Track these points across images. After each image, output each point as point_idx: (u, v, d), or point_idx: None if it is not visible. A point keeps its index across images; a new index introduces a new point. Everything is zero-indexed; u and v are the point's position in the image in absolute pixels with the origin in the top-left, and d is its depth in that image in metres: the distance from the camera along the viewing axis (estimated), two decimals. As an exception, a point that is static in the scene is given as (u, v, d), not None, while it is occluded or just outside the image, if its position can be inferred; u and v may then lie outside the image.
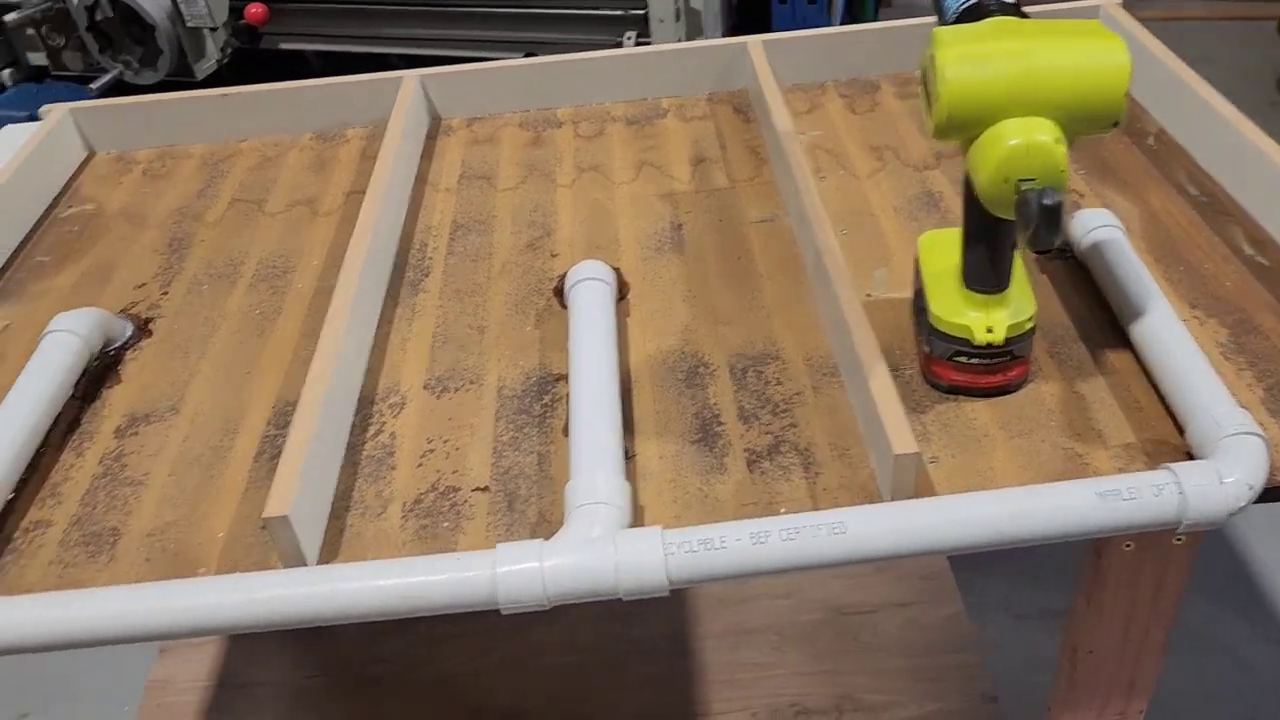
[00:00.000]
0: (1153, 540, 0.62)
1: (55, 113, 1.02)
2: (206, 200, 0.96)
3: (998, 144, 0.54)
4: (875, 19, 1.98)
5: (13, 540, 0.64)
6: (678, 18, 1.41)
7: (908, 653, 1.17)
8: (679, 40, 1.42)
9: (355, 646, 1.28)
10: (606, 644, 1.25)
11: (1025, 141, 0.54)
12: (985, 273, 0.62)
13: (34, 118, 1.03)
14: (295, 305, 0.82)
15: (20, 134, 1.02)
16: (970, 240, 0.62)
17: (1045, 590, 1.40)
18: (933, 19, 0.64)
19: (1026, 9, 1.04)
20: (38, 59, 1.65)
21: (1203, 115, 0.85)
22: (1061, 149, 0.54)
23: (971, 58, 0.55)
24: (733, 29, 1.60)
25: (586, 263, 0.77)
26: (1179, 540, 0.62)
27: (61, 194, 0.98)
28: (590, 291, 0.74)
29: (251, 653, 1.29)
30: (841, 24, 1.78)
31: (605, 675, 1.22)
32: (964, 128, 0.56)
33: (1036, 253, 0.56)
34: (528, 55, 1.55)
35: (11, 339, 0.80)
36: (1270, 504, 0.58)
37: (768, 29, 1.62)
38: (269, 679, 1.27)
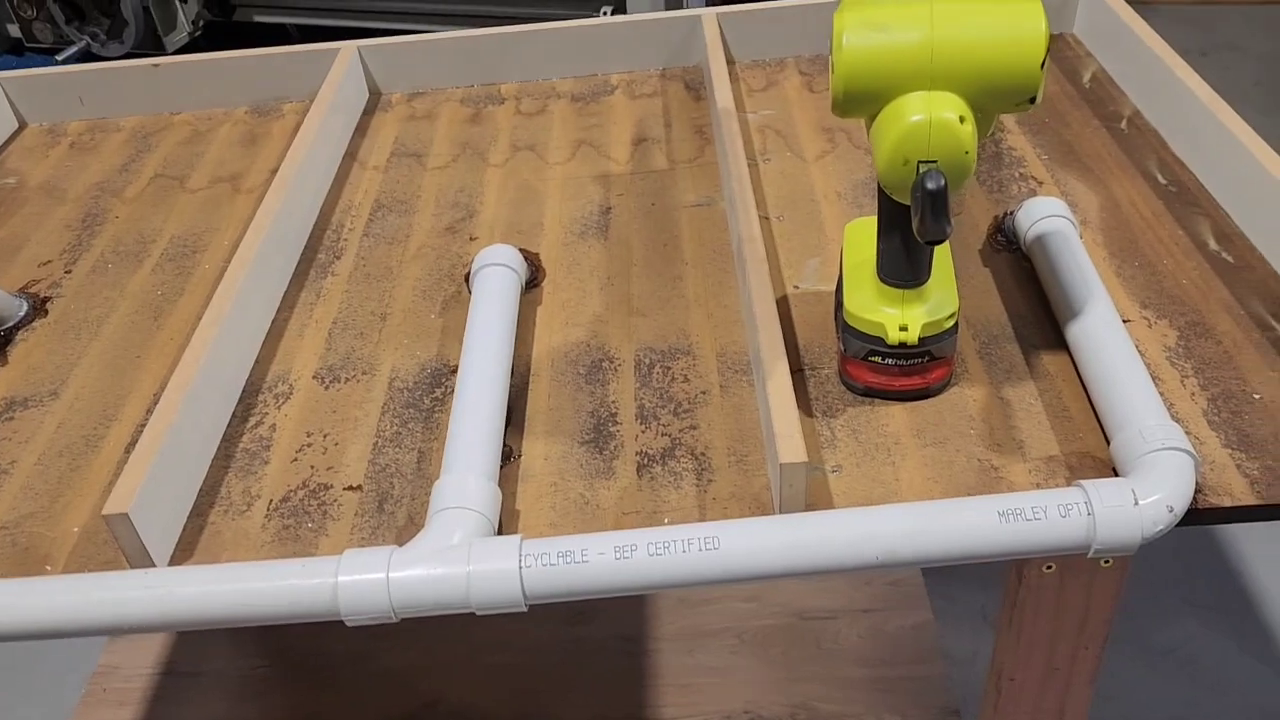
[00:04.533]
0: (1075, 561, 0.56)
1: (-16, 82, 0.99)
2: (129, 175, 0.92)
3: (898, 121, 0.49)
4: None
5: None
6: (655, -8, 1.35)
7: (868, 662, 1.12)
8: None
9: (305, 637, 1.25)
10: (560, 643, 1.20)
11: (927, 118, 0.48)
12: (900, 266, 0.57)
13: None
14: (198, 287, 0.78)
15: (-51, 104, 0.99)
16: (884, 229, 0.57)
17: (1027, 597, 1.34)
18: None
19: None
20: (16, 31, 1.63)
21: (1179, 98, 0.79)
22: (968, 128, 0.49)
23: (872, 23, 0.49)
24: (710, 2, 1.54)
25: (494, 247, 0.72)
26: (1106, 562, 0.56)
27: (-15, 166, 0.95)
28: (493, 279, 0.69)
29: (200, 641, 1.26)
30: None
31: (558, 675, 1.18)
32: (864, 102, 0.50)
33: (928, 243, 0.50)
34: (504, 31, 1.50)
35: (-97, 316, 0.77)
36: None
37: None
38: (217, 668, 1.24)
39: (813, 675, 1.12)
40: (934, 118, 0.48)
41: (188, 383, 0.61)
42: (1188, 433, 0.56)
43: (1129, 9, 0.90)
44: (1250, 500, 0.52)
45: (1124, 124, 0.83)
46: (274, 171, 0.90)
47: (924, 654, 1.12)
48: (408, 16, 1.58)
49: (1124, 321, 0.64)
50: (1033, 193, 0.77)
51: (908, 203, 0.50)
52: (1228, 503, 0.53)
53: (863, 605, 1.17)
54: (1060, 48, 0.95)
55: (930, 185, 0.45)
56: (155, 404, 0.67)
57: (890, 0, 0.50)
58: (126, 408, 0.68)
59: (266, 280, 0.73)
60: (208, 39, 1.66)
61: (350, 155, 0.91)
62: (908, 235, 0.56)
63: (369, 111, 0.97)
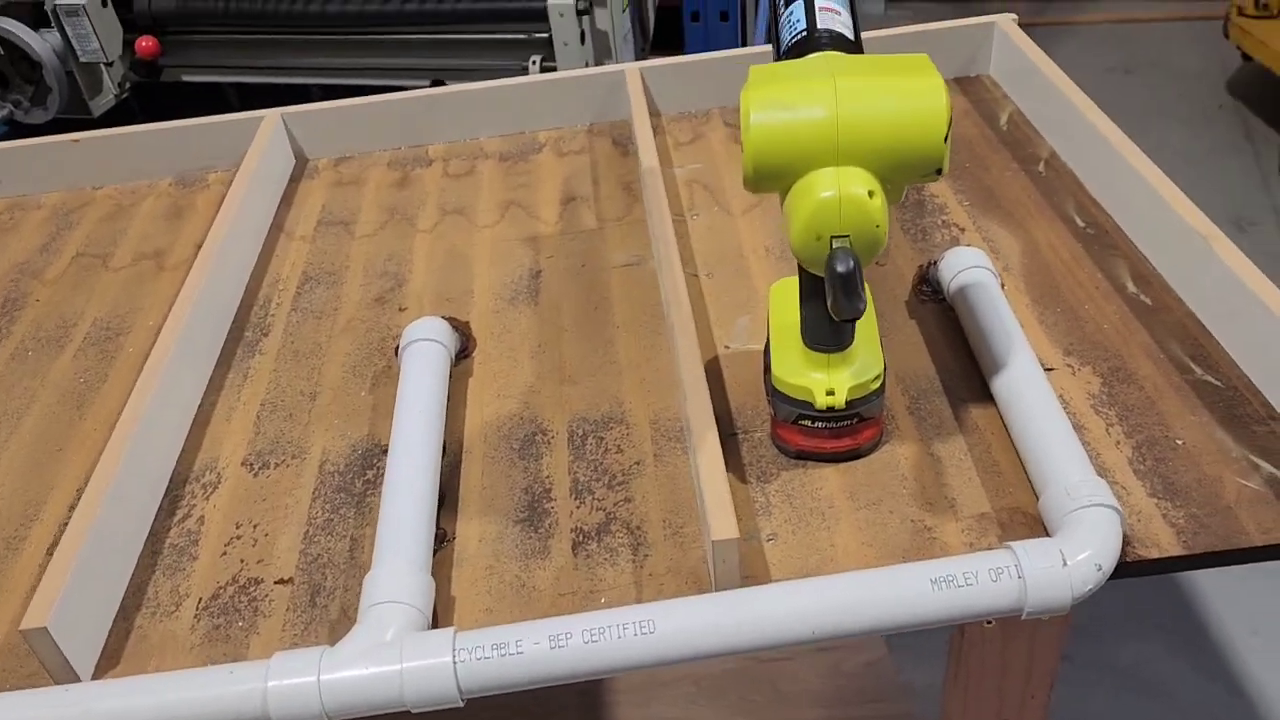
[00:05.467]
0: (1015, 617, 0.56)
1: (-104, 165, 0.96)
2: (49, 255, 0.90)
3: (808, 197, 0.49)
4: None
5: None
6: (583, 40, 1.36)
7: (828, 702, 1.12)
8: (586, 63, 1.36)
9: None
10: (514, 698, 1.19)
11: (837, 194, 0.49)
12: (823, 332, 0.57)
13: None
14: (123, 372, 0.76)
15: None
16: (805, 297, 0.57)
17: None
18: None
19: (923, 28, 0.99)
20: (-65, 98, 1.59)
21: (1093, 142, 0.80)
22: (878, 202, 0.49)
23: (778, 102, 0.49)
24: (645, 50, 1.55)
25: (423, 320, 0.71)
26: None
27: (-101, 252, 0.93)
28: (421, 355, 0.68)
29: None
30: (765, 38, 1.73)
31: (514, 732, 1.16)
32: (774, 178, 0.51)
33: (842, 321, 0.50)
34: (435, 83, 1.49)
35: None
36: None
37: (681, 50, 1.57)
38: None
39: (772, 720, 1.11)
40: (844, 193, 0.49)
41: (110, 479, 0.60)
42: (1113, 483, 0.57)
43: (1040, 52, 0.92)
44: (1176, 551, 0.53)
45: (1042, 166, 0.85)
46: (199, 246, 0.88)
47: (884, 691, 1.12)
48: (335, 71, 1.57)
49: (1048, 370, 0.65)
50: (955, 240, 0.78)
51: (823, 275, 0.50)
52: (1155, 554, 0.53)
53: (819, 645, 1.17)
54: (978, 90, 0.96)
55: (840, 268, 0.46)
56: (78, 500, 0.66)
57: (795, 78, 0.51)
58: (48, 506, 0.66)
59: (192, 363, 0.72)
60: (136, 100, 1.64)
61: (277, 226, 0.90)
62: (829, 302, 0.56)
63: (295, 179, 0.96)
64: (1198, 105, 2.61)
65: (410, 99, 0.97)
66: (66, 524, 0.63)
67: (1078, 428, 0.60)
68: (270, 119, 0.95)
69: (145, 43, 1.41)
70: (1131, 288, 0.71)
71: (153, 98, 1.71)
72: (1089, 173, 0.82)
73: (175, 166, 0.99)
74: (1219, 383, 0.63)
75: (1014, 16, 0.97)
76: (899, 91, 0.49)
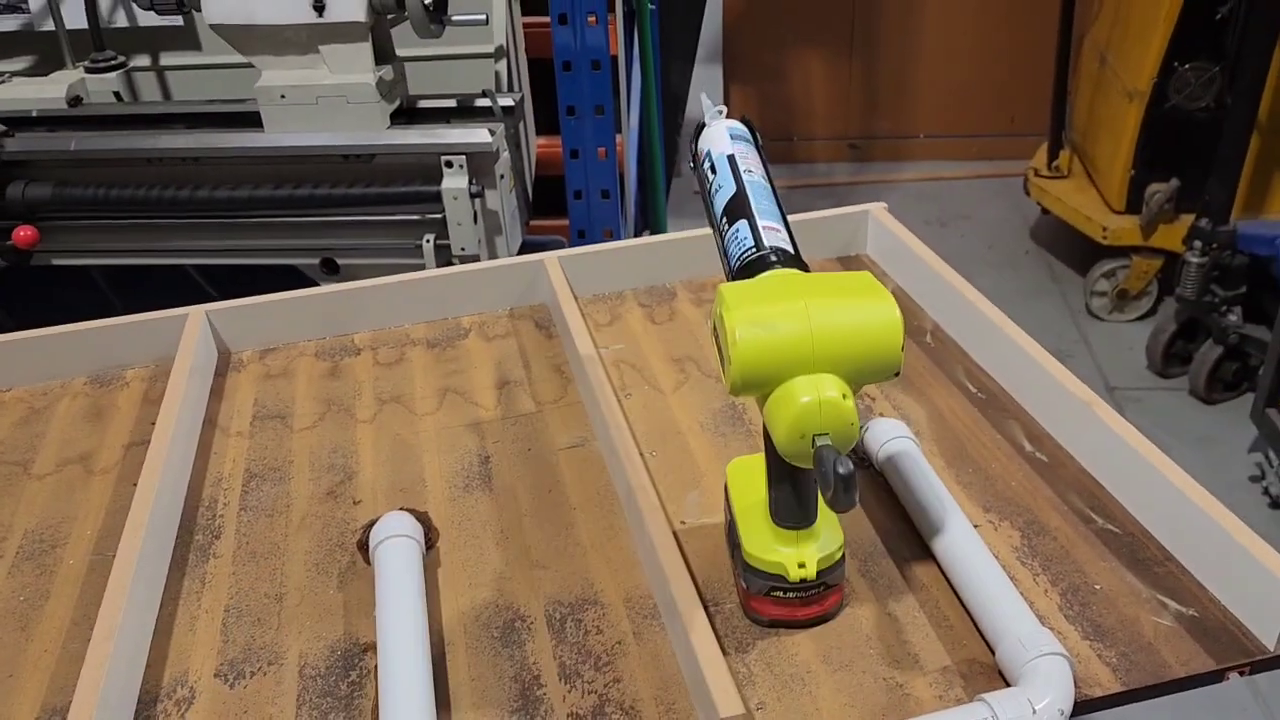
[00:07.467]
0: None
1: None
2: (-39, 465, 0.87)
3: (790, 403, 0.56)
4: (667, 196, 2.08)
5: None
6: (476, 220, 1.42)
7: None
8: (479, 240, 1.43)
9: None
10: None
11: (816, 399, 0.55)
12: (792, 511, 0.63)
13: None
14: (66, 586, 0.74)
15: None
16: (774, 482, 0.63)
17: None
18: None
19: (807, 216, 1.10)
20: None
21: (970, 316, 0.91)
22: (849, 403, 0.56)
23: (758, 320, 0.56)
24: (527, 222, 1.64)
25: (390, 516, 0.73)
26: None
27: None
28: (394, 551, 0.70)
29: None
30: (635, 211, 1.85)
31: None
32: (758, 385, 0.57)
33: (839, 512, 0.57)
34: (324, 262, 1.52)
35: None
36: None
37: (565, 215, 1.66)
38: None
39: None
40: (822, 398, 0.55)
41: (90, 712, 0.58)
42: (1052, 629, 0.64)
43: (908, 232, 1.04)
44: (1116, 687, 0.61)
45: (928, 337, 0.96)
46: (128, 446, 0.88)
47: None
48: (218, 252, 1.58)
49: (975, 527, 0.73)
50: (869, 409, 0.86)
51: (810, 467, 0.57)
52: (1099, 692, 0.60)
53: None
54: (858, 267, 1.08)
55: (842, 470, 0.52)
56: (40, 731, 0.63)
57: (767, 299, 0.58)
58: (6, 739, 0.63)
59: (149, 574, 0.71)
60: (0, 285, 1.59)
61: (210, 421, 0.90)
62: (797, 485, 0.63)
63: (221, 372, 0.97)
64: (1006, 252, 2.91)
65: (334, 292, 1.00)
66: (31, 758, 0.61)
67: (1010, 579, 0.68)
68: (195, 315, 0.96)
69: (24, 232, 1.38)
70: (1028, 446, 0.81)
71: (11, 283, 1.66)
72: (971, 343, 0.92)
73: (89, 365, 0.97)
74: (1119, 530, 0.72)
75: (884, 205, 1.09)
76: (860, 309, 0.57)
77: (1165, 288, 2.52)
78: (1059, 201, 2.62)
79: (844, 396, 0.56)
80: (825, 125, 3.41)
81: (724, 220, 0.66)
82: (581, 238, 1.75)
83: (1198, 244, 2.21)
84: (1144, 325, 2.52)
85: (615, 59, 1.72)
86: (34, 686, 0.66)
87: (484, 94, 1.47)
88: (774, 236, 0.63)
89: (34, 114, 1.51)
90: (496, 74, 1.65)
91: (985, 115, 3.32)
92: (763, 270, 0.61)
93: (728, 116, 0.73)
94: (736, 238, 0.64)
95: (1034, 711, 0.56)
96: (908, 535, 0.73)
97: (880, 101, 3.36)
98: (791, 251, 0.63)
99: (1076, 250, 2.74)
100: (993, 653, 0.62)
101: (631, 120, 1.78)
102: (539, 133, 1.87)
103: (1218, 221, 2.19)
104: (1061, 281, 2.76)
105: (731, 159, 0.69)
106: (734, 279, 0.62)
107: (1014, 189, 2.98)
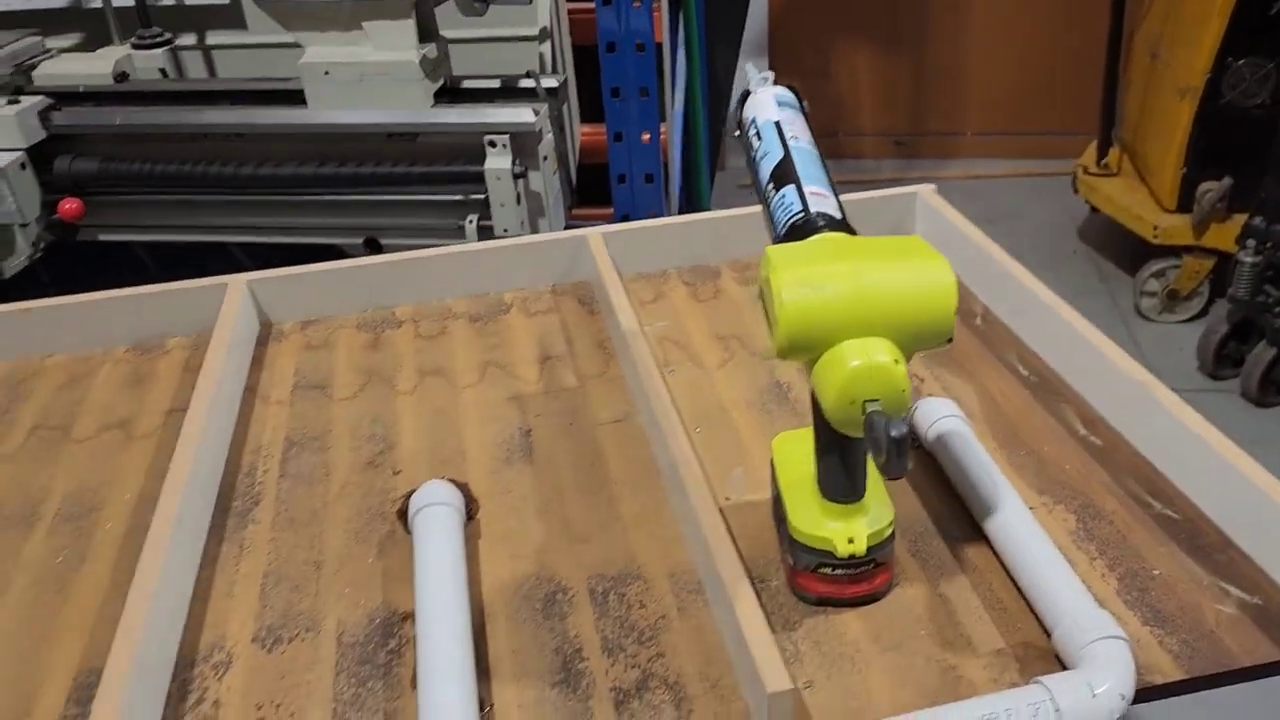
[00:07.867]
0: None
1: None
2: (2, 429, 0.87)
3: (840, 367, 0.54)
4: (711, 188, 2.06)
5: None
6: (519, 201, 1.42)
7: None
8: (521, 222, 1.42)
9: None
10: None
11: (866, 363, 0.54)
12: (841, 484, 0.61)
13: None
14: (104, 549, 0.74)
15: None
16: (822, 454, 0.61)
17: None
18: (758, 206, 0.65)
19: (857, 196, 1.08)
20: None
21: (1021, 298, 0.89)
22: (901, 369, 0.54)
23: (806, 280, 0.55)
24: (571, 205, 1.63)
25: (430, 484, 0.72)
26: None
27: None
28: (435, 519, 0.69)
29: None
30: (679, 196, 1.84)
31: None
32: (805, 349, 0.55)
33: (891, 479, 0.55)
34: (367, 241, 1.52)
35: None
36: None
37: (608, 203, 1.65)
38: None
39: None
40: (871, 362, 0.54)
41: (125, 672, 0.57)
42: (1111, 614, 0.62)
43: (960, 215, 1.02)
44: (1178, 675, 0.58)
45: (979, 320, 0.93)
46: (168, 413, 0.87)
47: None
48: (262, 230, 1.58)
49: (1029, 509, 0.70)
50: (917, 390, 0.84)
51: (859, 435, 0.55)
52: (1160, 680, 0.58)
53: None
54: (909, 250, 1.05)
55: (894, 433, 0.50)
56: (77, 691, 0.63)
57: (814, 260, 0.56)
58: (44, 698, 0.63)
59: (188, 539, 0.71)
60: (46, 260, 1.61)
61: (250, 390, 0.90)
62: (846, 456, 0.61)
63: (262, 342, 0.96)
64: (1054, 252, 2.86)
65: (376, 264, 1.00)
66: (66, 718, 0.61)
67: (1067, 563, 0.65)
68: (236, 285, 0.96)
69: (70, 205, 1.39)
70: (1082, 430, 0.78)
71: (59, 258, 1.68)
72: (1022, 326, 0.90)
73: (131, 333, 0.97)
74: (1177, 515, 0.70)
75: (933, 186, 1.07)
76: (913, 271, 0.55)
77: (1216, 289, 2.47)
78: (1108, 200, 2.57)
79: (895, 361, 0.54)
80: (871, 121, 3.37)
81: (770, 186, 0.65)
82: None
83: (1251, 243, 2.15)
84: (1194, 326, 2.47)
85: (660, 45, 1.71)
86: (73, 646, 0.66)
87: (528, 74, 1.46)
88: (821, 202, 0.62)
89: (81, 89, 1.52)
90: (540, 56, 1.64)
91: (1034, 112, 3.26)
92: (810, 234, 0.59)
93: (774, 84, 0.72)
94: (783, 203, 0.62)
95: (1094, 696, 0.53)
96: (959, 515, 0.71)
97: (927, 98, 3.31)
98: (839, 217, 0.61)
99: (1126, 250, 2.69)
100: (1049, 636, 0.60)
101: (676, 105, 1.77)
102: (583, 120, 1.86)
103: (1272, 220, 2.13)
104: (1110, 281, 2.71)
105: (778, 125, 0.67)
106: (780, 244, 0.61)
107: (1062, 187, 2.92)
